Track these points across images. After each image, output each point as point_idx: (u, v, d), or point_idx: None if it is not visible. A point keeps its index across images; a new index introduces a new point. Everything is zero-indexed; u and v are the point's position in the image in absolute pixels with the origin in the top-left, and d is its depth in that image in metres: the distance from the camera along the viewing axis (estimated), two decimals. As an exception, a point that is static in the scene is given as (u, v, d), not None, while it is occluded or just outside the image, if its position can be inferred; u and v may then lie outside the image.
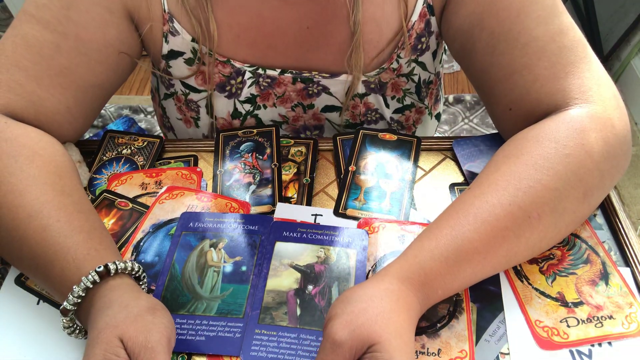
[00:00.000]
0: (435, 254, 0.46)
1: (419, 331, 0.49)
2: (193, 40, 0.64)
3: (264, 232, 0.56)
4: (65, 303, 0.45)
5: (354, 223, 0.58)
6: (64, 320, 0.46)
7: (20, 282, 0.54)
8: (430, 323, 0.49)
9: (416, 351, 0.48)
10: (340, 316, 0.42)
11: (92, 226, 0.50)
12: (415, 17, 0.64)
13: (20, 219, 0.49)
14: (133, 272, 0.49)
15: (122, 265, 0.47)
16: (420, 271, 0.46)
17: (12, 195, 0.50)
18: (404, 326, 0.43)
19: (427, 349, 0.48)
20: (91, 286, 0.46)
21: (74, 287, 0.45)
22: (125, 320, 0.43)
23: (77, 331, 0.48)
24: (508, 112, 0.58)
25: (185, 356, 0.48)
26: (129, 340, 0.42)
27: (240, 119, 0.73)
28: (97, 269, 0.46)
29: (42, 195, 0.50)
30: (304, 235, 0.56)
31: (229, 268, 0.54)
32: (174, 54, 0.66)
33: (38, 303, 0.52)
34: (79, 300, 0.46)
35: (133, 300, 0.45)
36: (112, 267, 0.46)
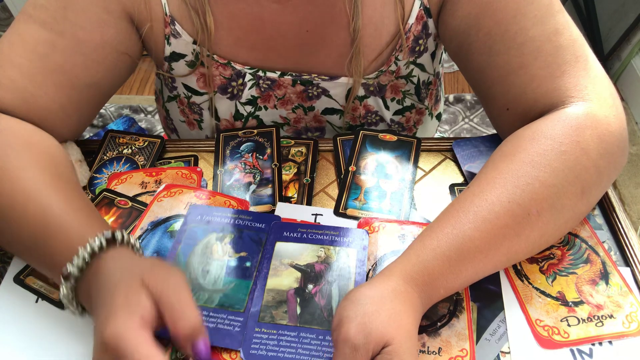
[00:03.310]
0: (438, 253, 0.46)
1: (420, 330, 0.49)
2: (194, 42, 0.64)
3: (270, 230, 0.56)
4: (68, 265, 0.44)
5: (354, 223, 0.58)
6: (65, 287, 0.45)
7: (19, 280, 0.54)
8: (430, 322, 0.50)
9: (416, 350, 0.48)
10: (354, 319, 0.42)
11: (92, 209, 0.51)
12: (412, 19, 0.64)
13: (17, 201, 0.49)
14: (134, 250, 0.49)
15: (127, 236, 0.47)
16: (424, 271, 0.46)
17: (9, 179, 0.50)
18: (412, 328, 0.43)
19: (428, 347, 0.48)
20: (97, 251, 0.45)
21: (79, 248, 0.44)
22: (142, 270, 0.43)
23: (75, 303, 0.46)
24: (505, 112, 0.58)
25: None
26: (150, 280, 0.42)
27: (242, 120, 0.73)
28: (105, 232, 0.46)
29: (41, 177, 0.50)
30: (304, 235, 0.56)
31: (233, 263, 0.54)
32: (175, 56, 0.66)
33: (37, 301, 0.52)
34: (84, 265, 0.44)
35: (141, 259, 0.46)
36: (118, 235, 0.46)
